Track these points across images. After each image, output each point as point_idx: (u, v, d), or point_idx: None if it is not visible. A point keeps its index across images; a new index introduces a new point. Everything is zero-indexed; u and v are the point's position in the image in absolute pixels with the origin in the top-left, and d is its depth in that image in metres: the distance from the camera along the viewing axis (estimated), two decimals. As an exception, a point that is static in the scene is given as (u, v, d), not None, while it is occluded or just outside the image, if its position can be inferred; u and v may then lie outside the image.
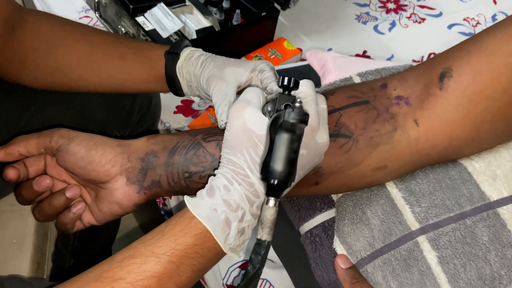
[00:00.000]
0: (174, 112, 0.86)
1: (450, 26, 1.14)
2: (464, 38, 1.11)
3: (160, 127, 0.85)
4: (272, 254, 0.68)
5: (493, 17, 1.17)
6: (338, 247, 0.51)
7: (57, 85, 0.63)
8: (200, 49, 0.60)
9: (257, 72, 0.54)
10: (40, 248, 0.72)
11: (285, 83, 0.44)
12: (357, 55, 1.03)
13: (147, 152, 0.51)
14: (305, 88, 0.46)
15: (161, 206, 0.83)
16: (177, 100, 0.89)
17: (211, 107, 0.87)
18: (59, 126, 0.68)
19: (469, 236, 0.47)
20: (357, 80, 0.61)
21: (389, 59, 1.05)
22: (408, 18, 1.14)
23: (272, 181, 0.40)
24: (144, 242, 0.43)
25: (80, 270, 0.96)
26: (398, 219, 0.50)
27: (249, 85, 0.56)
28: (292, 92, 0.46)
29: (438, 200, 0.50)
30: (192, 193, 0.53)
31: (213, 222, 0.42)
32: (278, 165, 0.40)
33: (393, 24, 1.13)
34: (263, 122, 0.45)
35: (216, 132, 0.52)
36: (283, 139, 0.40)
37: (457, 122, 0.48)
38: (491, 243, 0.46)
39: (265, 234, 0.40)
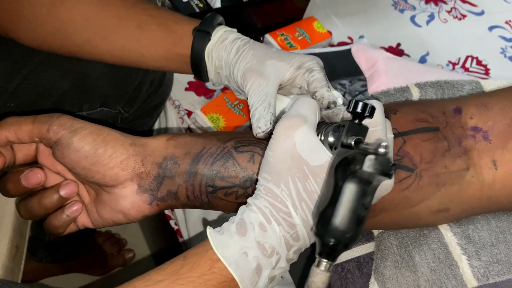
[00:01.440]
0: (186, 89, 0.76)
1: (491, 28, 1.04)
2: (505, 43, 1.02)
3: (168, 104, 0.75)
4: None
5: (536, 24, 1.08)
6: (376, 292, 0.44)
7: (57, 48, 0.53)
8: (235, 30, 0.50)
9: (304, 71, 0.45)
10: (20, 229, 0.63)
11: (359, 110, 0.34)
12: (390, 47, 0.94)
13: (166, 156, 0.42)
14: (376, 116, 0.36)
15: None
16: (189, 75, 0.78)
17: (227, 88, 0.77)
18: (53, 95, 0.58)
19: (537, 307, 0.40)
20: (415, 92, 0.52)
21: (423, 56, 0.95)
22: (448, 12, 1.04)
23: (329, 242, 0.32)
24: (152, 285, 0.34)
25: (61, 246, 0.88)
26: (453, 271, 0.43)
27: (293, 89, 0.46)
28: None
29: (501, 255, 0.43)
30: (213, 209, 0.44)
31: (241, 269, 0.34)
32: (343, 222, 0.31)
33: (431, 17, 1.02)
34: (320, 150, 0.36)
35: (251, 141, 0.43)
36: (355, 191, 0.31)
37: None
38: None
39: None
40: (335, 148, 0.36)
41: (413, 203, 0.41)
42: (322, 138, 0.37)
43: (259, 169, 0.40)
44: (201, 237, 0.64)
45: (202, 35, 0.48)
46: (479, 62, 0.96)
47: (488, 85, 0.53)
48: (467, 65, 0.96)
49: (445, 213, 0.42)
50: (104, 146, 0.40)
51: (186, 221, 0.66)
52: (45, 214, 0.44)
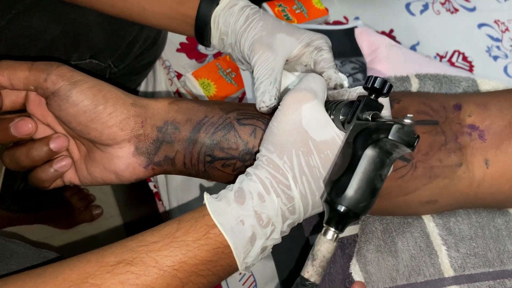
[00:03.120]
0: (177, 50, 0.74)
1: (480, 26, 1.06)
2: (491, 42, 1.04)
3: (158, 63, 0.72)
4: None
5: (523, 27, 1.10)
6: (356, 273, 0.46)
7: None
8: None
9: (312, 49, 0.44)
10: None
11: (377, 85, 0.34)
12: (383, 32, 0.94)
13: (167, 120, 0.40)
14: (385, 99, 0.37)
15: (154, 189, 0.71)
16: (182, 35, 0.75)
17: (220, 54, 0.75)
18: (42, 40, 0.55)
19: (506, 300, 0.43)
20: (414, 82, 0.53)
21: (413, 46, 0.96)
22: (442, 4, 1.05)
23: (341, 209, 0.32)
24: (146, 246, 0.34)
25: (30, 196, 0.85)
26: (432, 260, 0.45)
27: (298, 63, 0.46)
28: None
29: (479, 249, 0.45)
30: (208, 179, 0.44)
31: (236, 237, 0.34)
32: (358, 191, 0.31)
33: (425, 7, 1.03)
34: (327, 127, 0.36)
35: (254, 114, 0.42)
36: (374, 160, 0.31)
37: None
38: (529, 315, 0.42)
39: (315, 274, 0.32)
40: (348, 123, 0.36)
41: (405, 192, 0.42)
42: (333, 115, 0.37)
43: (259, 143, 0.40)
44: (184, 203, 0.64)
45: None
46: (464, 58, 0.98)
47: (484, 84, 0.54)
48: (453, 59, 0.98)
49: (433, 204, 0.44)
50: (105, 103, 0.38)
51: (167, 185, 0.65)
52: (32, 166, 0.42)
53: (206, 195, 0.36)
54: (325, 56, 0.44)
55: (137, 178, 0.41)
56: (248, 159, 0.41)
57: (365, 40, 0.64)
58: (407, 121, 0.30)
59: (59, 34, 0.55)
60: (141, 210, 1.04)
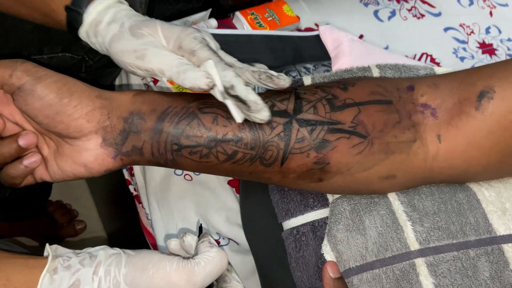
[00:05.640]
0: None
1: (446, 29, 1.11)
2: (458, 45, 1.09)
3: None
4: (239, 236, 0.63)
5: (487, 30, 1.15)
6: (328, 253, 0.47)
7: None
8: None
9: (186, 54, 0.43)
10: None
11: None
12: (353, 38, 0.97)
13: (132, 111, 0.42)
14: None
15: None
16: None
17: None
18: (16, 36, 0.55)
19: (470, 268, 0.44)
20: (375, 72, 0.56)
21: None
22: (409, 10, 1.10)
23: None
24: None
25: (11, 205, 0.85)
26: (398, 235, 0.46)
27: None
28: None
29: (442, 223, 0.46)
30: (177, 168, 0.45)
31: None
32: None
33: (393, 13, 1.07)
34: None
35: (213, 103, 0.44)
36: None
37: (484, 148, 0.44)
38: (492, 281, 0.44)
39: None
40: None
41: (364, 167, 0.44)
42: None
43: (223, 130, 0.42)
44: (163, 202, 0.65)
45: (74, 15, 0.45)
46: (432, 60, 1.02)
47: (441, 71, 0.57)
48: (422, 61, 1.02)
49: (392, 179, 0.46)
50: (70, 96, 0.40)
51: (146, 186, 0.66)
52: (2, 164, 0.43)
53: (49, 258, 0.37)
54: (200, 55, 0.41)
55: (106, 170, 0.43)
56: (213, 146, 0.43)
57: (329, 37, 0.67)
58: None
59: (31, 30, 0.56)
60: (124, 223, 1.05)
